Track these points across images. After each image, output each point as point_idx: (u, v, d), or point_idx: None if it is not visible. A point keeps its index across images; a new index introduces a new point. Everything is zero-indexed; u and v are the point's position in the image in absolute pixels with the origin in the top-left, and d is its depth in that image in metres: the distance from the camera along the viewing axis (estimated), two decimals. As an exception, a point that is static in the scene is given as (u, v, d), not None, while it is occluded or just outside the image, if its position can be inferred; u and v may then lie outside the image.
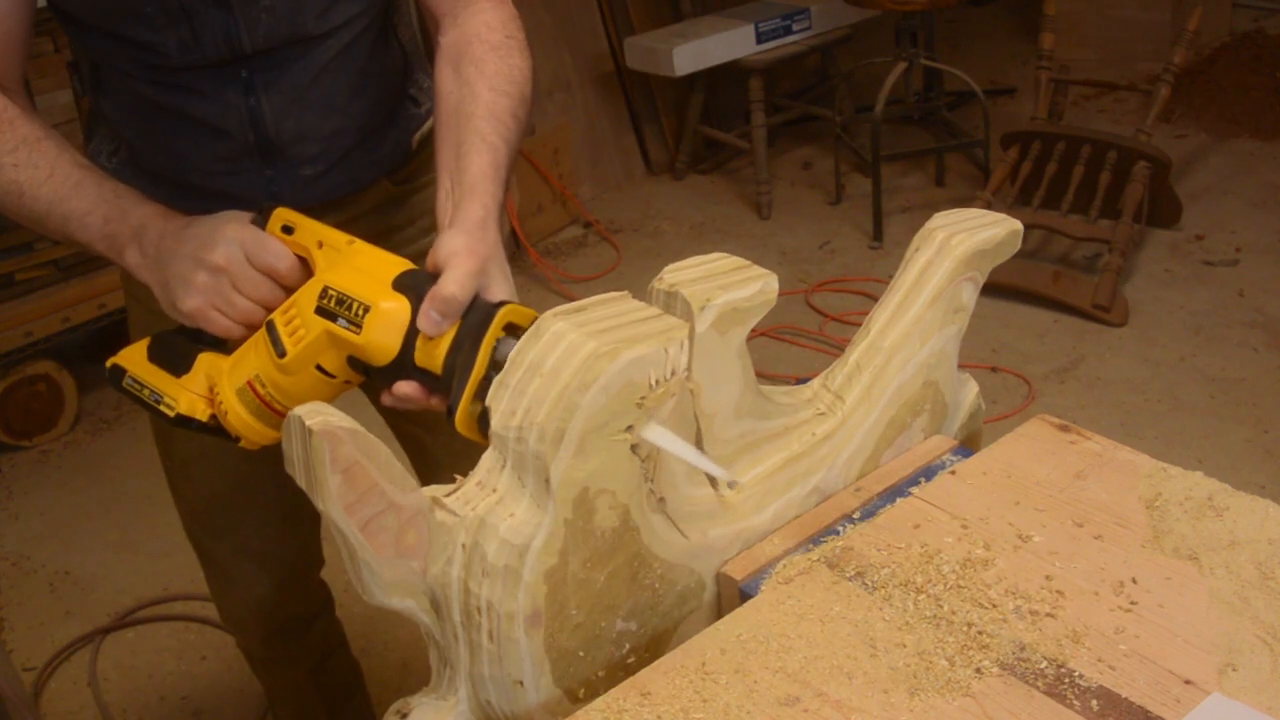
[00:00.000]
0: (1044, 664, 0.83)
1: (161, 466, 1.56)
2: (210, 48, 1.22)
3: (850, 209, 3.99)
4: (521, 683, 0.86)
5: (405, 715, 0.89)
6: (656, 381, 0.83)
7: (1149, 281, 3.41)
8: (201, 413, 1.17)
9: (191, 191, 1.31)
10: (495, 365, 0.98)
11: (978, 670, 0.83)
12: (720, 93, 4.30)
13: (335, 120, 1.32)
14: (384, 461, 0.81)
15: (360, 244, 1.11)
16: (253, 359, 1.13)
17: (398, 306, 1.03)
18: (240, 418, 1.14)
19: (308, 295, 1.08)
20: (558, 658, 0.87)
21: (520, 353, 0.85)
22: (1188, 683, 0.81)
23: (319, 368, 1.09)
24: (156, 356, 1.21)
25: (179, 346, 1.20)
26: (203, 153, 1.30)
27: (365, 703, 1.96)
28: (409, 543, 0.83)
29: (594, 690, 0.89)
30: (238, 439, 1.16)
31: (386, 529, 0.82)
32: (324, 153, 1.33)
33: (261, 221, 1.16)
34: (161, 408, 1.18)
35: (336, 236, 1.12)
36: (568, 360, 0.81)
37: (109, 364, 1.24)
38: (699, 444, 0.93)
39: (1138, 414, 2.87)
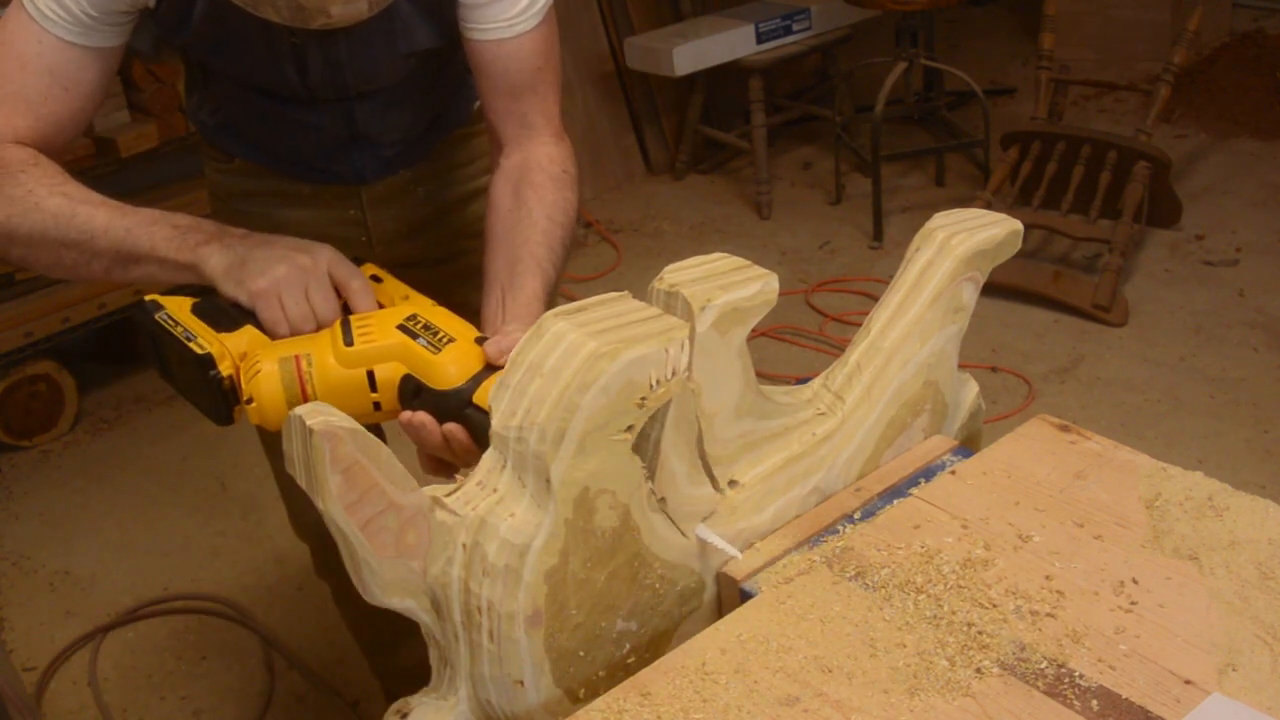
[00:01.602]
0: (1044, 664, 0.83)
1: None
2: (319, 90, 1.35)
3: (850, 209, 3.99)
4: (522, 682, 0.86)
5: (405, 715, 0.89)
6: (657, 381, 0.83)
7: (1149, 281, 3.41)
8: (227, 367, 1.17)
9: (282, 158, 1.46)
10: None
11: (978, 670, 0.83)
12: (720, 93, 4.30)
13: (414, 112, 1.45)
14: (384, 461, 0.81)
15: (443, 310, 1.18)
16: (309, 342, 1.15)
17: (477, 351, 1.10)
18: (268, 383, 1.13)
19: (390, 315, 1.15)
20: (558, 658, 0.87)
21: (521, 353, 0.85)
22: (1188, 683, 0.81)
23: (370, 375, 1.11)
24: (201, 311, 1.22)
25: (229, 312, 1.20)
26: (298, 140, 1.43)
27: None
28: (409, 542, 0.83)
29: (594, 690, 0.89)
30: (249, 400, 1.15)
31: (387, 529, 0.82)
32: (404, 138, 1.47)
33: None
34: (192, 345, 1.17)
35: (420, 298, 1.22)
36: (568, 360, 0.81)
37: (146, 298, 1.24)
38: (699, 444, 0.93)
39: (1138, 414, 2.87)
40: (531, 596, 0.84)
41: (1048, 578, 0.91)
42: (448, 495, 0.86)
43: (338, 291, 1.19)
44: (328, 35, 1.28)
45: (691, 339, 0.86)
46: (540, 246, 1.26)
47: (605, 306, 0.87)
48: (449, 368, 1.08)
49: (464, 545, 0.84)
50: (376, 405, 1.14)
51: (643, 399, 0.83)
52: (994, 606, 0.88)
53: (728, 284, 0.90)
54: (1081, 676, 0.82)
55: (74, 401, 3.24)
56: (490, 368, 1.09)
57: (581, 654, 0.89)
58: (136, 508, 2.90)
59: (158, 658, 2.47)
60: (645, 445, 0.89)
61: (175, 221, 1.21)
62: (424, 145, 1.51)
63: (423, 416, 1.08)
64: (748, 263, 0.94)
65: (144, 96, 3.13)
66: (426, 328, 1.13)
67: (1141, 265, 3.48)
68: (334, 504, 0.80)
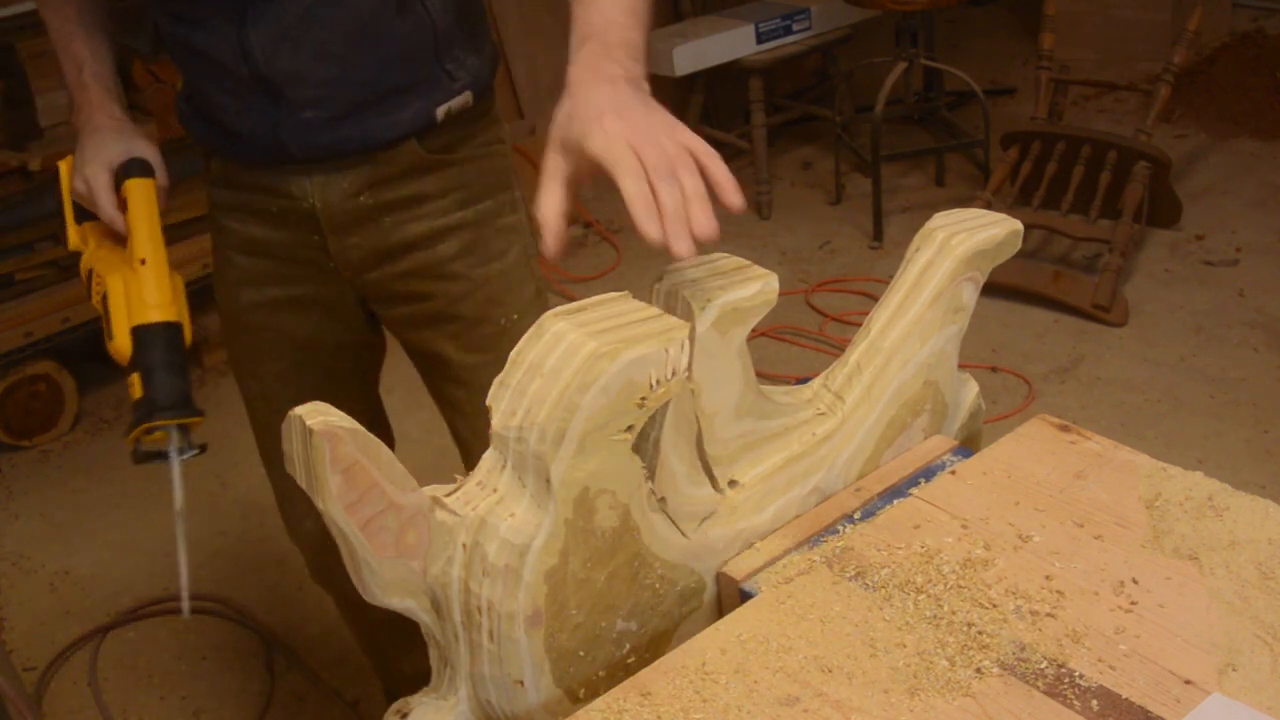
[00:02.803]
0: (1044, 664, 0.83)
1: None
2: None
3: (850, 209, 3.99)
4: (522, 682, 0.86)
5: (405, 715, 0.89)
6: (657, 381, 0.83)
7: (1149, 281, 3.41)
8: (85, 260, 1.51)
9: (223, 131, 1.42)
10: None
11: (978, 670, 0.83)
12: (720, 93, 4.30)
13: (332, 68, 1.34)
14: (384, 461, 0.81)
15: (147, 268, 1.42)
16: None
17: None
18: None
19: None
20: (558, 658, 0.87)
21: (520, 353, 0.85)
22: (1188, 683, 0.81)
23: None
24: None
25: None
26: (215, 88, 1.38)
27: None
28: (409, 542, 0.83)
29: (594, 690, 0.89)
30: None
31: (387, 528, 0.82)
32: (325, 99, 1.36)
33: (146, 168, 1.44)
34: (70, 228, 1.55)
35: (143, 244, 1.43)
36: (568, 360, 0.81)
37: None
38: (699, 444, 0.94)
39: (1138, 414, 2.87)
40: (531, 596, 0.84)
41: (1048, 578, 0.91)
42: (448, 495, 0.86)
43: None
44: None
45: (691, 339, 0.86)
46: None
47: (605, 306, 0.87)
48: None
49: (464, 545, 0.84)
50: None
51: (643, 399, 0.83)
52: (994, 606, 0.88)
53: (728, 284, 0.90)
54: (1081, 676, 0.82)
55: (74, 401, 3.24)
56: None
57: (581, 654, 0.89)
58: (136, 508, 2.91)
59: (158, 658, 2.47)
60: (645, 445, 0.89)
61: (86, 84, 1.48)
62: (362, 130, 1.39)
63: None
64: (748, 263, 0.94)
65: (144, 96, 3.13)
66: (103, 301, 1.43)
67: (1141, 265, 3.48)
68: (334, 504, 0.80)
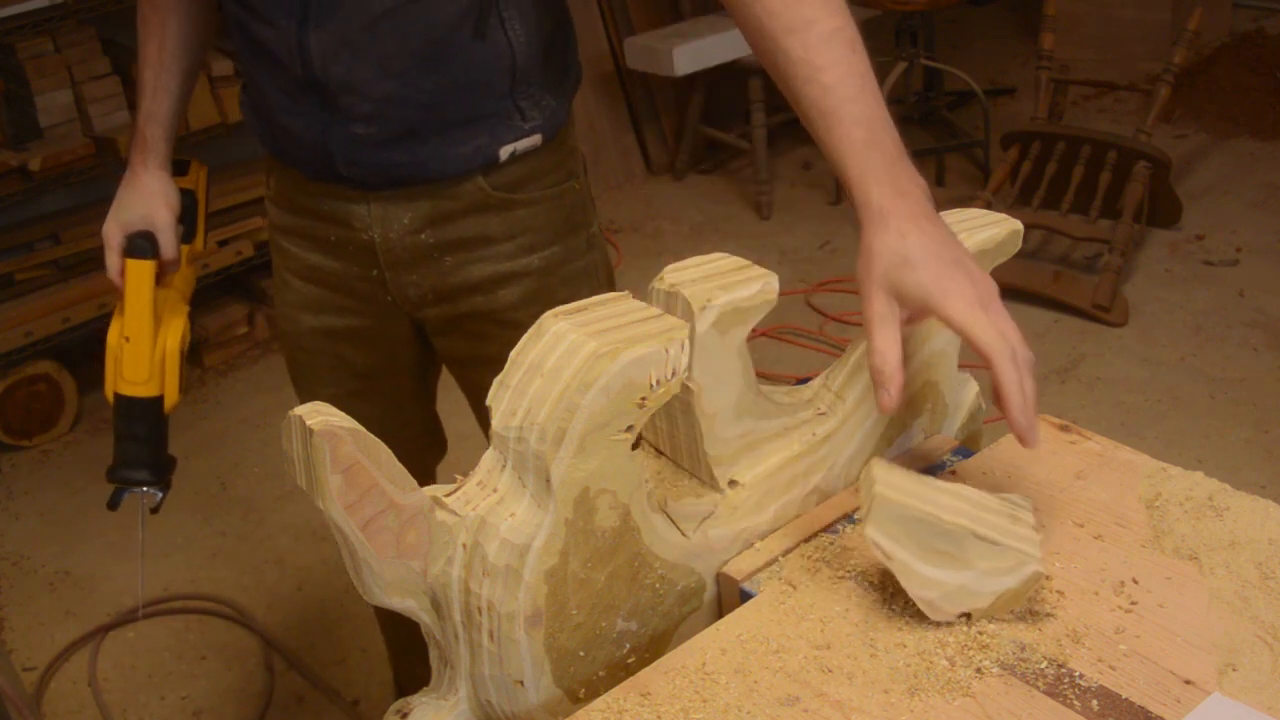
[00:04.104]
0: (1044, 664, 0.83)
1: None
2: None
3: (850, 209, 3.98)
4: (522, 683, 0.86)
5: (405, 715, 0.89)
6: (657, 381, 0.83)
7: (1149, 281, 3.41)
8: None
9: (275, 128, 1.38)
10: None
11: (978, 670, 0.83)
12: (720, 93, 4.30)
13: (391, 84, 1.27)
14: (384, 461, 0.81)
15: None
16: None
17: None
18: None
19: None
20: (558, 658, 0.87)
21: (521, 352, 0.85)
22: (1188, 683, 0.81)
23: None
24: None
25: None
26: (270, 83, 1.34)
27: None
28: (409, 542, 0.83)
29: (594, 690, 0.89)
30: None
31: (387, 529, 0.82)
32: (378, 116, 1.29)
33: (146, 248, 1.48)
34: None
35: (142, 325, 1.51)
36: (568, 360, 0.81)
37: None
38: (700, 444, 0.94)
39: (1138, 414, 2.87)
40: (531, 596, 0.84)
41: (1048, 578, 0.91)
42: (448, 495, 0.86)
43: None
44: None
45: (691, 339, 0.86)
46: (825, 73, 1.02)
47: (605, 306, 0.87)
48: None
49: (464, 545, 0.84)
50: None
51: (643, 399, 0.83)
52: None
53: (728, 284, 0.90)
54: (1081, 676, 0.82)
55: (74, 401, 3.24)
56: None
57: (581, 654, 0.89)
58: (137, 508, 2.90)
59: (158, 658, 2.47)
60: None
61: (140, 126, 1.49)
62: (415, 157, 1.31)
63: None
64: (748, 263, 0.94)
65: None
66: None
67: (1141, 265, 3.48)
68: (334, 504, 0.80)
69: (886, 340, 0.90)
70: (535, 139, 1.34)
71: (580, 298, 1.46)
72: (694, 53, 3.85)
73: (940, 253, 0.91)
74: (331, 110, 1.30)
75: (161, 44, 1.48)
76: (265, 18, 1.28)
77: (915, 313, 0.92)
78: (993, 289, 0.91)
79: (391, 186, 1.34)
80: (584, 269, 1.45)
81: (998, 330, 0.88)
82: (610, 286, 1.49)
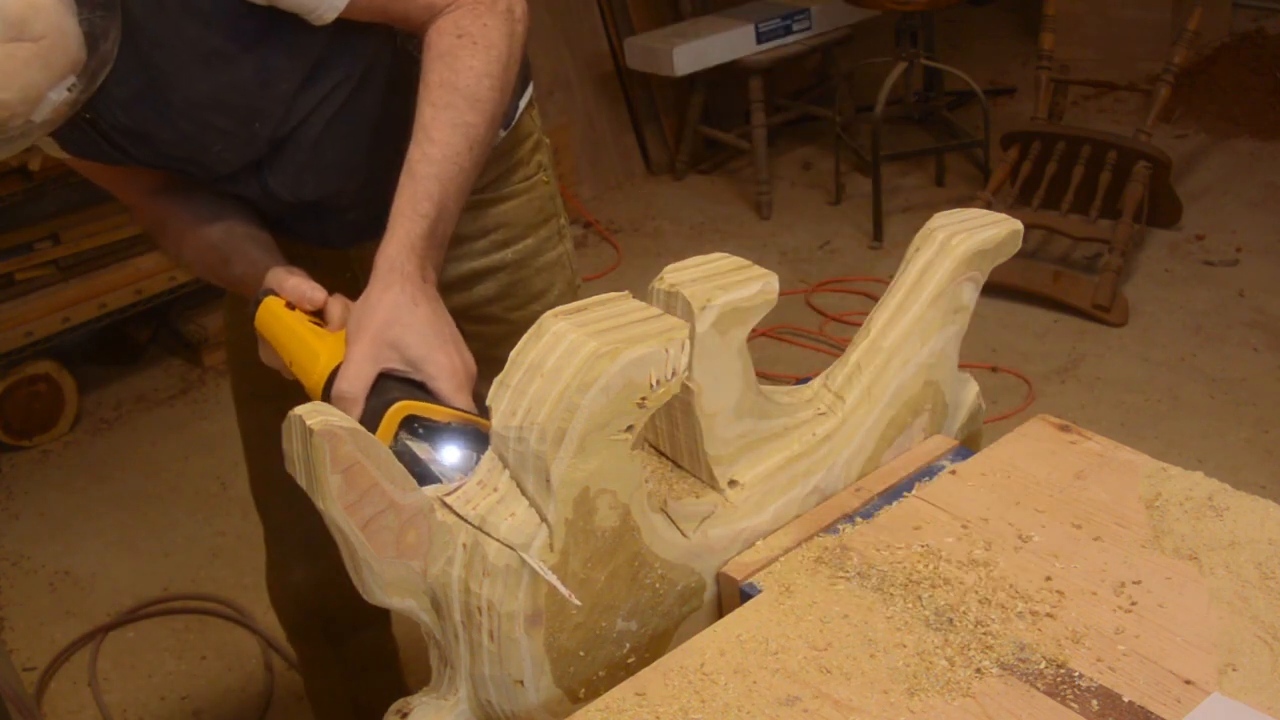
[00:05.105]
0: (1044, 664, 0.83)
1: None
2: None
3: (850, 209, 3.99)
4: (522, 682, 0.86)
5: (405, 715, 0.89)
6: (657, 381, 0.83)
7: (1149, 281, 3.41)
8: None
9: (284, 228, 1.39)
10: None
11: (978, 670, 0.83)
12: (720, 93, 4.30)
13: (359, 175, 1.32)
14: (384, 461, 0.81)
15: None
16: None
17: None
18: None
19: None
20: (558, 657, 0.87)
21: (521, 352, 0.85)
22: (1188, 683, 0.81)
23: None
24: None
25: None
26: (263, 209, 1.36)
27: None
28: (409, 542, 0.83)
29: (594, 690, 0.89)
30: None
31: (387, 528, 0.82)
32: (360, 201, 1.34)
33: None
34: None
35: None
36: (568, 360, 0.81)
37: None
38: (700, 444, 0.94)
39: (1138, 414, 2.87)
40: (532, 596, 0.84)
41: (1048, 578, 0.91)
42: (448, 495, 0.86)
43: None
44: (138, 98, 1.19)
45: (691, 339, 0.86)
46: (415, 146, 1.14)
47: (605, 306, 0.87)
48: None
49: (464, 545, 0.84)
50: None
51: (643, 399, 0.83)
52: (994, 606, 0.88)
53: (728, 284, 0.90)
54: (1081, 677, 0.82)
55: (74, 401, 3.24)
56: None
57: (581, 654, 0.89)
58: (136, 508, 2.91)
59: (158, 658, 2.47)
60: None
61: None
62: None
63: None
64: (748, 263, 0.94)
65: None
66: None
67: (1141, 265, 3.48)
68: (334, 504, 0.80)
69: (362, 377, 1.05)
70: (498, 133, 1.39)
71: (554, 289, 1.50)
72: (694, 53, 3.85)
73: (432, 328, 1.09)
74: (321, 215, 1.36)
75: (229, 229, 1.37)
76: (227, 178, 1.31)
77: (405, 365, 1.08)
78: (473, 369, 1.10)
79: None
80: (557, 259, 1.50)
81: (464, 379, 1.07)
82: (576, 274, 1.56)
